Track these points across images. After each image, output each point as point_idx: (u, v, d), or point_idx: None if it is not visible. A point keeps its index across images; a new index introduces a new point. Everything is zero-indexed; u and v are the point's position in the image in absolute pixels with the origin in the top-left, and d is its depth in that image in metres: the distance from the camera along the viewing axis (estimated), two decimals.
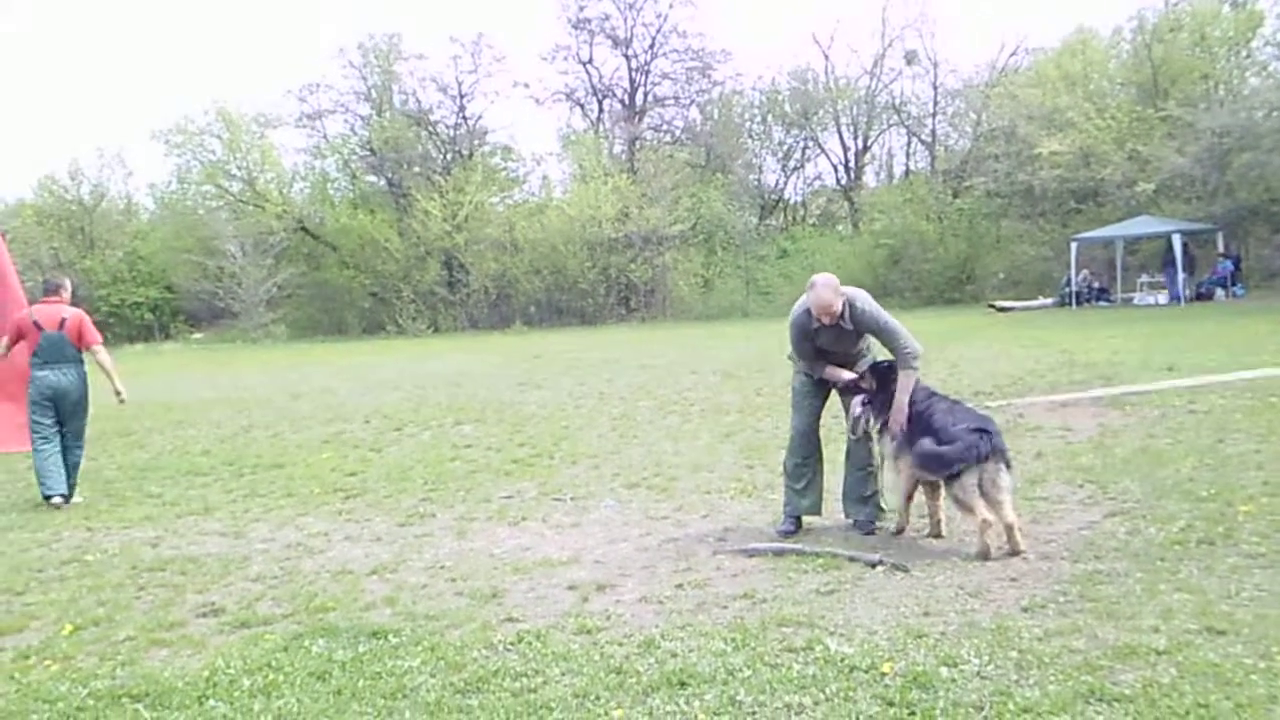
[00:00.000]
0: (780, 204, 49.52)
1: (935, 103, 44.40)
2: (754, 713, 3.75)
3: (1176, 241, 28.18)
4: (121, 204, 48.43)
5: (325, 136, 45.69)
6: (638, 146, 44.88)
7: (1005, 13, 65.30)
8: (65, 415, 8.69)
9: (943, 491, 5.98)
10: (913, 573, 5.30)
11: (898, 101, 45.72)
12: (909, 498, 6.17)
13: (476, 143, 44.89)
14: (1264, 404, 9.65)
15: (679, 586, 5.33)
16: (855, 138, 46.55)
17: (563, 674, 4.19)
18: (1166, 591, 4.74)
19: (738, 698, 3.85)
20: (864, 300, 6.17)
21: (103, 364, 8.86)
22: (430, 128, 45.19)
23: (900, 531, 6.17)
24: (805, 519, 6.49)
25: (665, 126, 48.63)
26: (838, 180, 47.85)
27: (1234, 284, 28.67)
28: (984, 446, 5.59)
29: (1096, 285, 31.12)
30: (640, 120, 46.92)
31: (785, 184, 49.43)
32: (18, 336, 8.85)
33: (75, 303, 9.37)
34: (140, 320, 44.17)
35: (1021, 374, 13.47)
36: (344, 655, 4.52)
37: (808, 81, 46.49)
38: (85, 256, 44.18)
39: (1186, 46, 34.81)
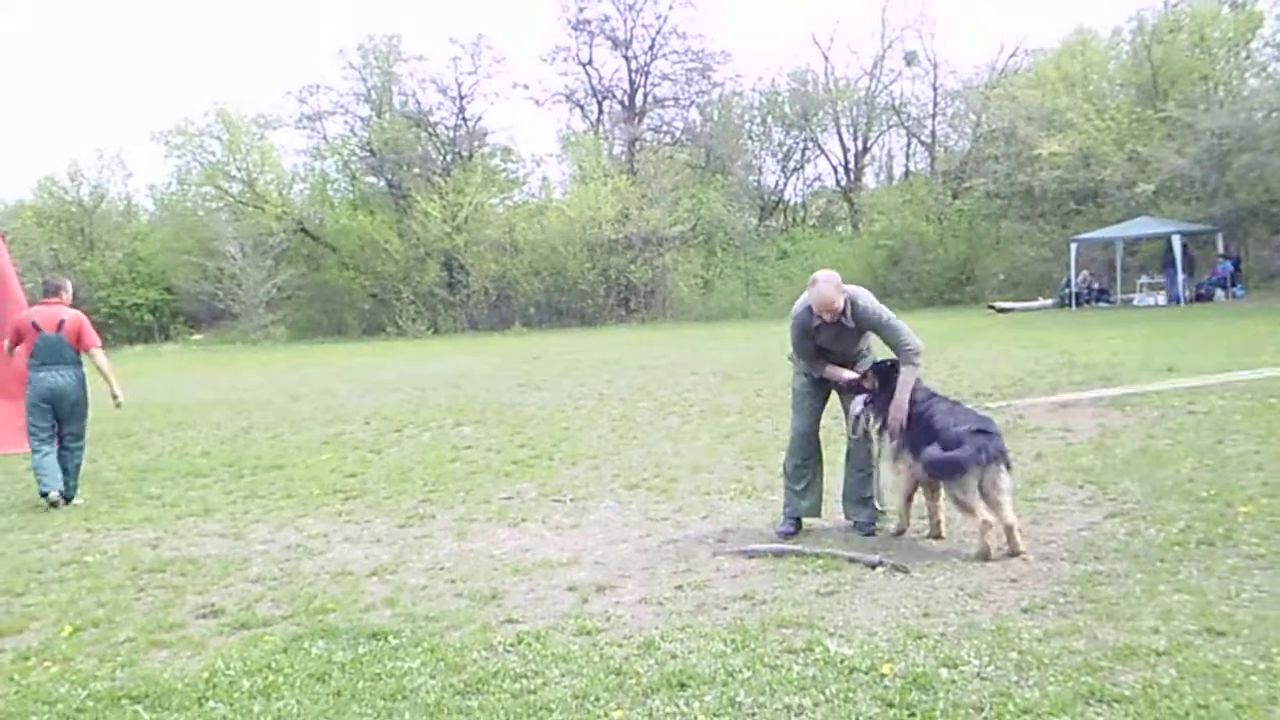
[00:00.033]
0: (780, 205, 49.51)
1: (935, 104, 44.44)
2: (754, 714, 3.75)
3: (1176, 243, 28.18)
4: (121, 205, 48.47)
5: (325, 138, 45.76)
6: (637, 148, 44.87)
7: (1005, 14, 65.46)
8: (64, 417, 8.69)
9: (942, 493, 5.98)
10: (913, 574, 5.30)
11: (897, 102, 45.75)
12: (909, 499, 6.17)
13: (476, 144, 44.90)
14: (1264, 405, 9.65)
15: (679, 588, 5.33)
16: (855, 139, 46.57)
17: (562, 675, 4.19)
18: (1166, 592, 4.74)
19: (737, 699, 3.85)
20: (865, 298, 6.17)
21: (101, 367, 8.86)
22: (430, 129, 45.20)
23: (901, 533, 6.17)
24: (805, 520, 6.48)
25: (665, 128, 48.63)
26: (837, 181, 47.90)
27: (1234, 285, 28.67)
28: (991, 448, 5.60)
29: (1096, 286, 31.13)
30: (640, 121, 46.92)
31: (785, 185, 49.50)
32: (17, 339, 8.85)
33: (76, 304, 9.38)
34: (140, 322, 44.19)
35: (1021, 375, 13.47)
36: (344, 657, 4.52)
37: (807, 83, 46.51)
38: (85, 258, 44.20)
39: (1186, 47, 34.83)
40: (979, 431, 5.67)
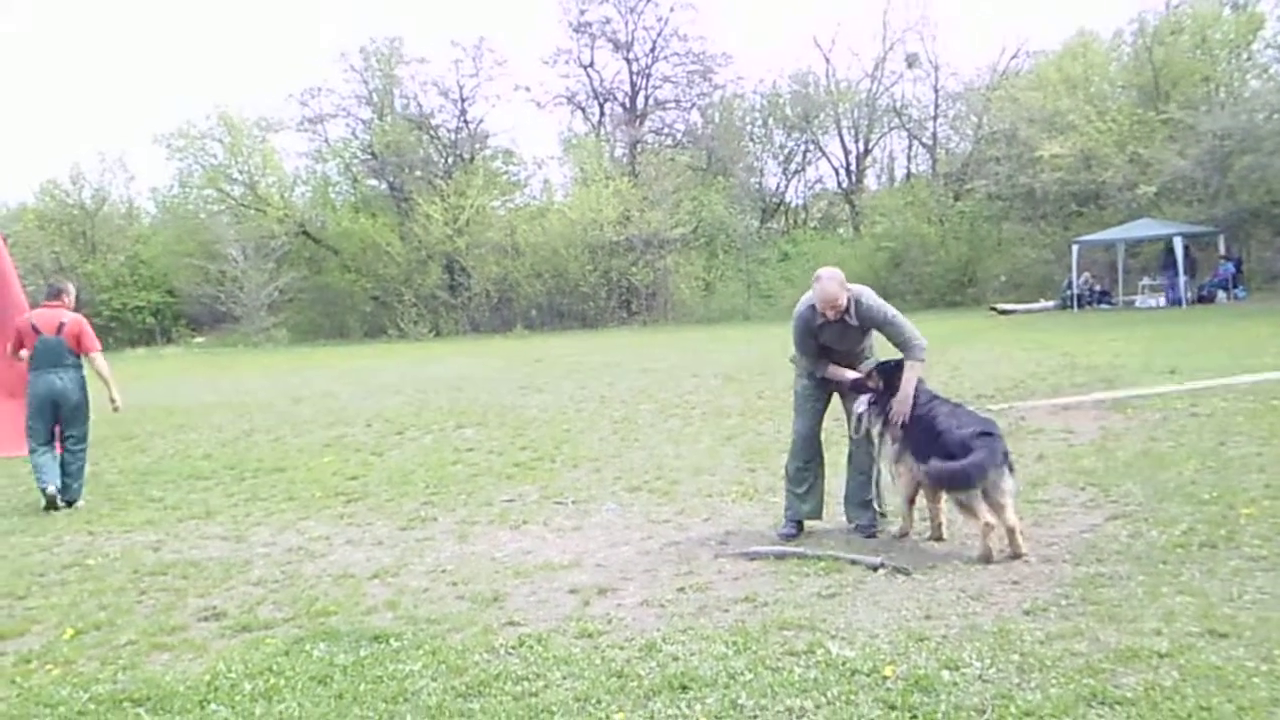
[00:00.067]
0: (781, 207, 49.53)
1: (936, 106, 44.42)
2: (755, 716, 3.75)
3: (1178, 244, 28.16)
4: (123, 208, 48.50)
5: (326, 140, 45.81)
6: (639, 150, 44.88)
7: (1006, 15, 65.48)
8: (64, 420, 8.72)
9: (944, 495, 5.98)
10: (914, 576, 5.29)
11: (899, 104, 45.76)
12: (911, 501, 6.16)
13: (478, 146, 44.93)
14: (1266, 407, 9.64)
15: (680, 590, 5.32)
16: (856, 141, 46.60)
17: (564, 678, 4.19)
18: (1168, 594, 4.74)
19: (739, 701, 3.85)
20: (869, 295, 6.17)
21: (100, 371, 8.89)
22: (431, 131, 45.23)
23: (904, 535, 6.16)
24: (807, 523, 6.47)
25: (666, 130, 48.66)
26: (839, 183, 47.91)
27: (1235, 286, 28.65)
28: (998, 452, 5.59)
29: (1098, 288, 31.12)
30: (641, 123, 46.95)
31: (786, 187, 49.53)
32: (19, 342, 8.88)
33: (78, 307, 9.40)
34: (142, 324, 44.23)
35: (1023, 377, 13.47)
36: (345, 659, 4.52)
37: (809, 85, 46.55)
38: (87, 261, 44.22)
39: (1187, 49, 34.82)
40: (982, 434, 5.66)
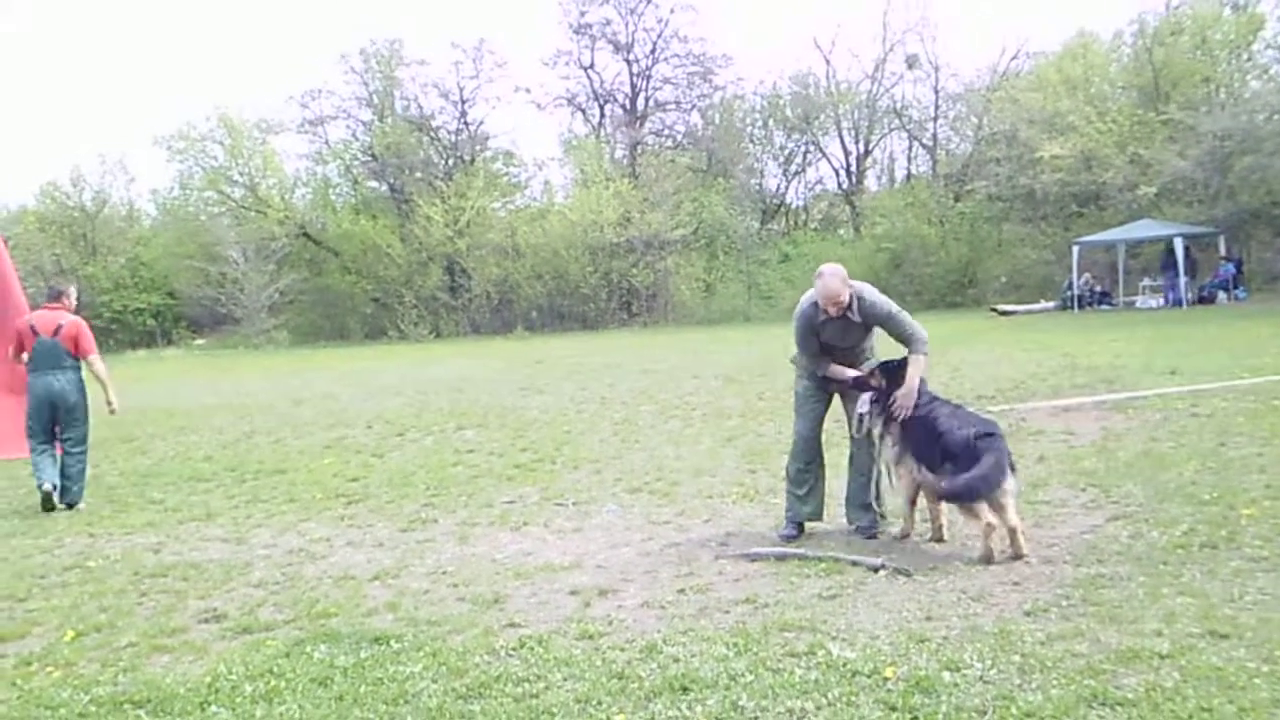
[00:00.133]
0: (782, 208, 49.55)
1: (936, 107, 44.44)
2: (756, 718, 3.74)
3: (1179, 245, 28.16)
4: (124, 210, 48.55)
5: (327, 142, 45.85)
6: (639, 151, 44.89)
7: (1006, 17, 65.51)
8: (62, 422, 8.76)
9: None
10: (915, 577, 5.29)
11: (899, 105, 45.79)
12: (913, 502, 6.15)
13: (478, 148, 44.97)
14: (1266, 407, 9.64)
15: (681, 591, 5.32)
16: (857, 142, 46.63)
17: (565, 679, 4.19)
18: (1169, 595, 4.74)
19: (740, 703, 3.85)
20: (871, 292, 6.18)
21: (98, 374, 8.92)
22: (432, 133, 45.26)
23: (906, 536, 6.16)
24: (807, 524, 6.47)
25: (667, 131, 48.70)
26: (839, 184, 47.93)
27: (1236, 287, 28.66)
28: (1005, 456, 5.59)
29: (1098, 289, 31.14)
30: (641, 125, 46.97)
31: (787, 188, 49.56)
32: (20, 344, 8.93)
33: (79, 309, 9.43)
34: (142, 326, 44.27)
35: (1024, 378, 13.47)
36: (346, 661, 4.52)
37: (809, 86, 46.57)
38: (88, 263, 44.25)
39: (1187, 50, 34.83)
40: (985, 435, 5.65)
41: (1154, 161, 31.63)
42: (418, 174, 43.73)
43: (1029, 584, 5.08)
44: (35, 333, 8.76)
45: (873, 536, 6.23)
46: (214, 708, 4.10)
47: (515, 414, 13.19)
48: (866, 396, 6.23)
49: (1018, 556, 5.48)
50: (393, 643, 4.72)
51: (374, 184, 45.96)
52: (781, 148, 48.77)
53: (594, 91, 47.58)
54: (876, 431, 6.26)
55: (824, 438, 6.55)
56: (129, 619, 5.41)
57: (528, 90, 49.94)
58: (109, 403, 9.04)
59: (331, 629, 5.00)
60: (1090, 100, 34.59)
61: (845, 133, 46.44)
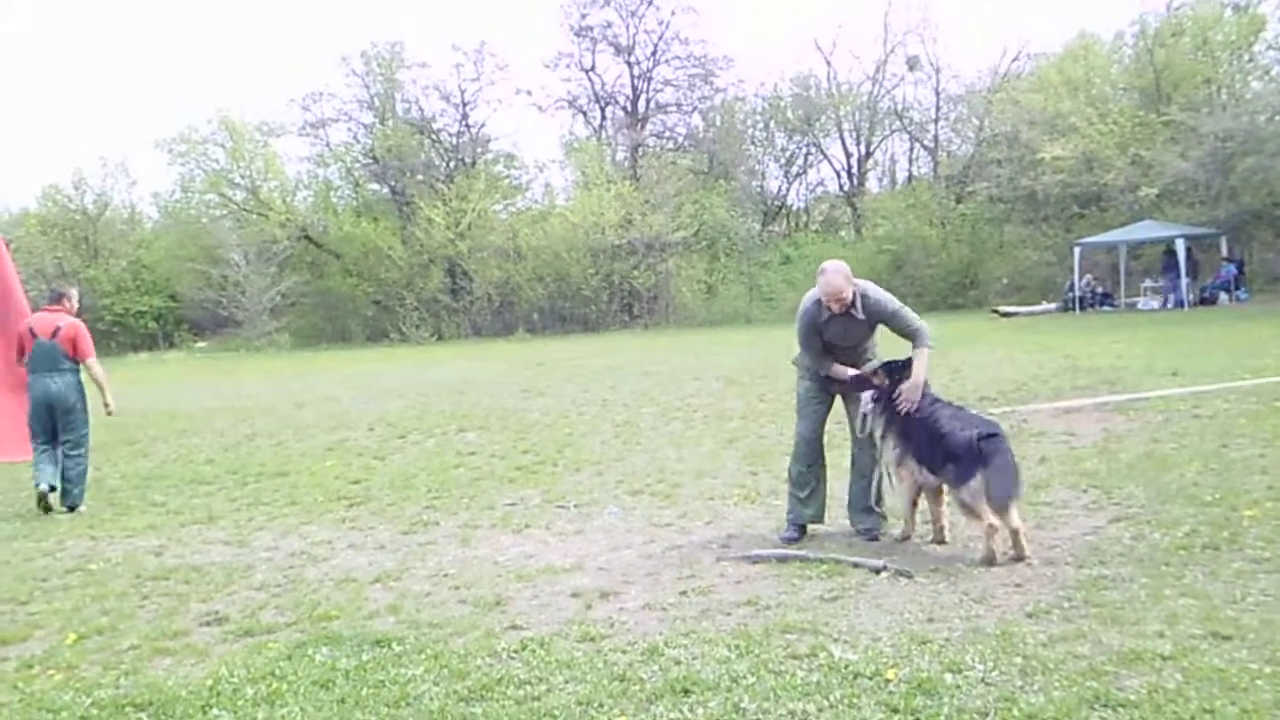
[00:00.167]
0: (783, 210, 49.53)
1: (937, 108, 44.41)
2: None
3: (1180, 246, 28.15)
4: (125, 213, 48.53)
5: (328, 145, 45.85)
6: (640, 153, 44.92)
7: (1007, 18, 65.52)
8: (60, 424, 8.78)
9: (945, 497, 5.98)
10: (917, 579, 5.29)
11: (900, 107, 45.77)
12: (914, 504, 6.15)
13: (479, 150, 44.98)
14: (1268, 408, 9.63)
15: (682, 593, 5.32)
16: (858, 143, 46.60)
17: (566, 682, 4.18)
18: (1171, 597, 4.74)
19: (741, 705, 3.85)
20: (873, 289, 6.19)
21: (95, 377, 8.97)
22: (433, 135, 45.29)
23: (907, 538, 6.15)
24: (809, 526, 6.46)
25: (668, 133, 48.69)
26: (840, 186, 47.93)
27: (1237, 288, 28.65)
28: (1011, 460, 5.61)
29: (1100, 290, 31.12)
30: (643, 127, 46.97)
31: (788, 190, 49.52)
32: (21, 347, 8.97)
33: (81, 312, 9.45)
34: (144, 329, 44.28)
35: (1025, 379, 13.46)
36: (347, 664, 4.52)
37: (810, 87, 46.54)
38: (89, 266, 44.27)
39: (1188, 51, 34.81)
40: (988, 436, 5.63)
41: (1155, 163, 31.61)
42: (419, 176, 43.73)
43: (1031, 585, 5.08)
44: (34, 335, 8.81)
45: (874, 539, 6.23)
46: (215, 711, 4.10)
47: (517, 416, 13.19)
48: (868, 395, 6.21)
49: (1020, 558, 5.47)
50: (394, 645, 4.72)
51: (375, 186, 46.00)
52: (783, 149, 48.81)
53: (595, 94, 47.62)
54: (878, 433, 6.24)
55: (826, 439, 6.55)
56: (130, 622, 5.41)
57: (529, 93, 50.03)
58: (106, 405, 9.07)
59: (333, 632, 5.00)
60: (1091, 101, 34.57)
61: (846, 134, 46.46)
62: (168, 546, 7.19)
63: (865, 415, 6.24)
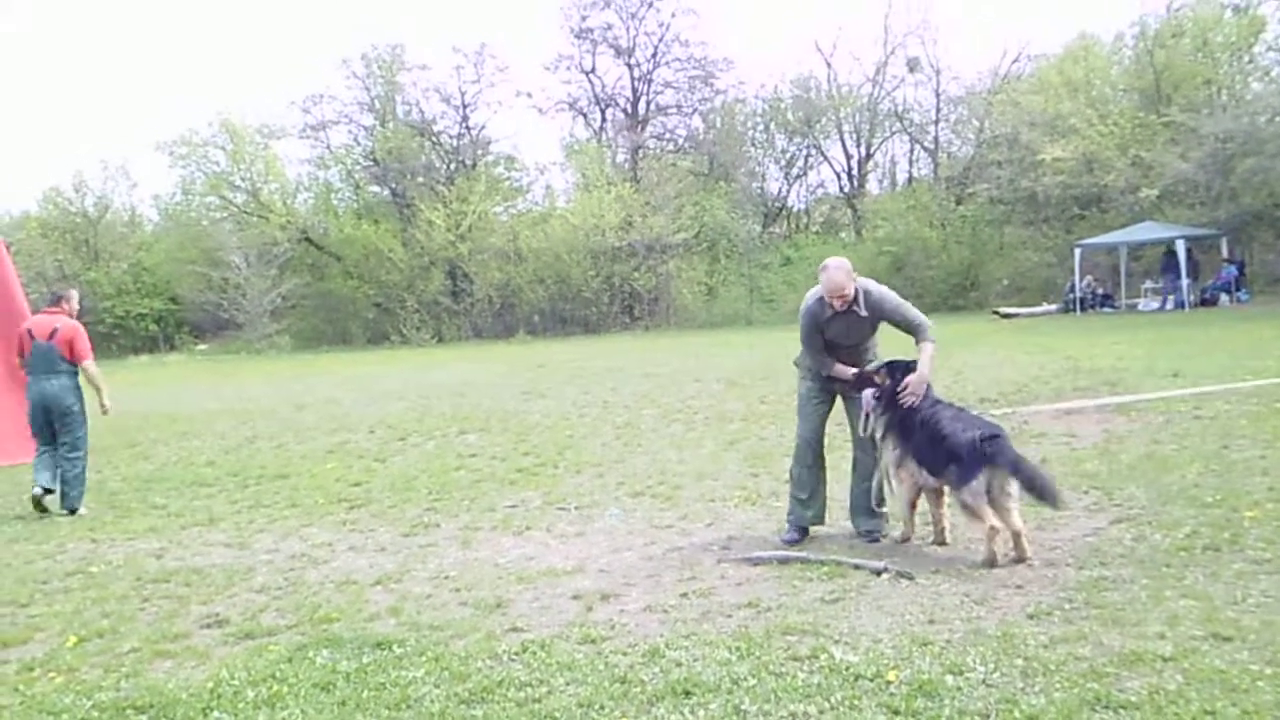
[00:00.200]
0: (783, 211, 49.57)
1: (938, 110, 44.45)
2: None
3: (1180, 247, 28.15)
4: (126, 216, 48.60)
5: (329, 147, 45.89)
6: (641, 155, 44.96)
7: (1007, 19, 65.55)
8: (56, 426, 8.80)
9: (946, 499, 5.97)
10: (918, 580, 5.28)
11: (900, 109, 45.82)
12: (913, 505, 6.14)
13: (480, 152, 44.99)
14: (1269, 409, 9.63)
15: (683, 595, 5.32)
16: (858, 145, 46.65)
17: (567, 684, 4.18)
18: (1172, 598, 4.73)
19: (742, 707, 3.84)
20: (876, 287, 6.20)
21: (92, 379, 8.99)
22: (434, 138, 45.32)
23: (906, 539, 6.15)
24: (810, 527, 6.46)
25: (668, 135, 48.74)
26: (841, 187, 47.98)
27: (1238, 289, 28.65)
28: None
29: (1100, 291, 31.13)
30: (643, 129, 47.01)
31: (788, 191, 49.57)
32: (20, 349, 9.03)
33: (81, 315, 9.47)
34: (145, 332, 44.32)
35: (1026, 380, 13.46)
36: (348, 666, 4.52)
37: (810, 89, 46.56)
38: (90, 268, 44.31)
39: (1189, 52, 34.83)
40: (991, 437, 5.63)
41: (1156, 164, 31.62)
42: (419, 179, 43.77)
43: (1032, 587, 5.08)
44: (32, 337, 8.87)
45: (875, 541, 6.23)
46: (216, 713, 4.10)
47: (517, 418, 13.19)
48: (869, 393, 6.19)
49: (1021, 559, 5.47)
50: (395, 648, 4.72)
51: (376, 189, 46.04)
52: (783, 151, 48.85)
53: (595, 96, 47.66)
54: (879, 434, 6.23)
55: (827, 441, 6.54)
56: (131, 624, 5.41)
57: (529, 95, 49.96)
58: (102, 405, 9.11)
59: (334, 634, 5.00)
60: (1092, 103, 34.59)
61: (847, 136, 46.50)
62: (168, 549, 7.19)
63: (867, 415, 6.22)
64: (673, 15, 45.32)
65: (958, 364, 15.79)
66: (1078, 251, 30.75)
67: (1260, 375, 11.91)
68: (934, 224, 38.74)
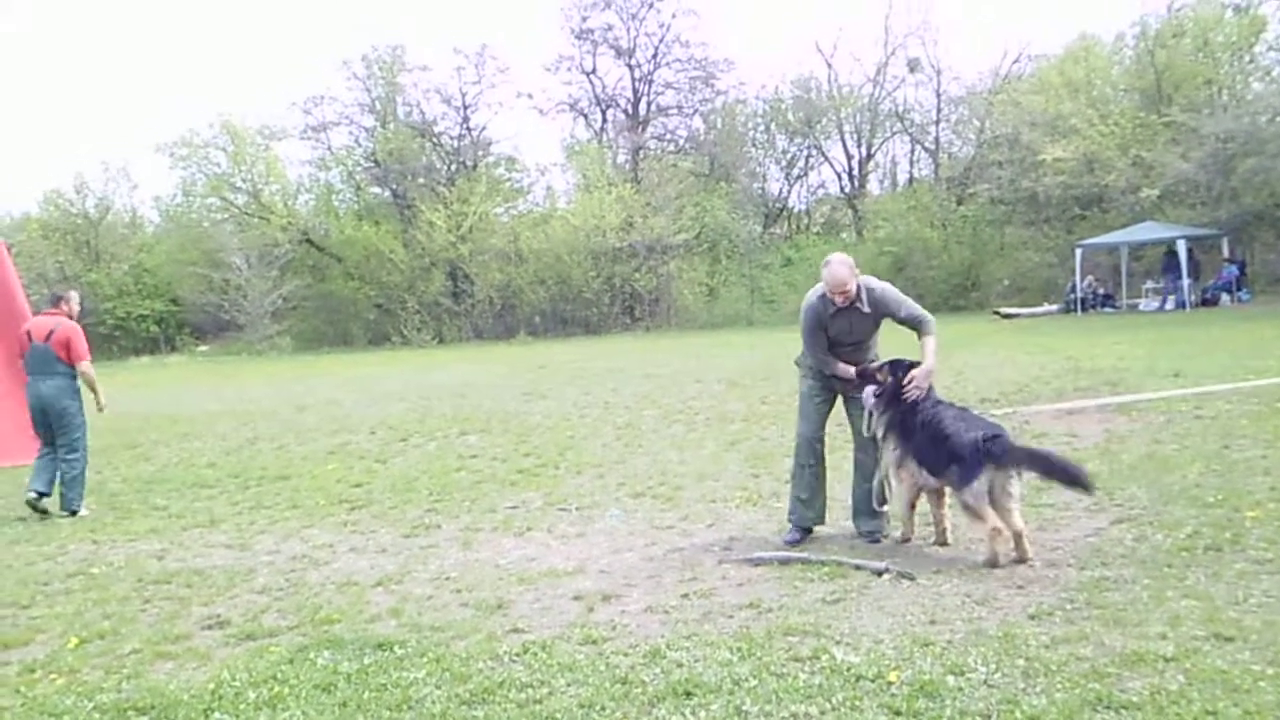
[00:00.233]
0: (784, 212, 49.55)
1: (938, 110, 44.40)
2: None
3: (1181, 247, 28.14)
4: (127, 217, 48.57)
5: (330, 148, 45.87)
6: (641, 156, 44.95)
7: (1007, 20, 65.55)
8: (53, 427, 8.81)
9: (947, 499, 5.97)
10: (919, 581, 5.28)
11: (901, 109, 45.78)
12: (912, 506, 6.14)
13: (480, 153, 44.99)
14: (1270, 409, 9.63)
15: (685, 596, 5.32)
16: (859, 145, 46.61)
17: (568, 685, 4.18)
18: (1174, 598, 4.73)
19: (744, 707, 3.84)
20: (877, 283, 6.22)
21: (88, 380, 9.00)
22: (434, 139, 45.32)
23: (905, 540, 6.15)
24: (811, 528, 6.45)
25: (669, 136, 48.74)
26: (841, 188, 47.94)
27: (1239, 289, 28.64)
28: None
29: (1101, 291, 31.11)
30: (644, 130, 47.00)
31: (789, 192, 49.55)
32: (22, 350, 9.06)
33: (82, 316, 9.49)
34: (146, 333, 44.33)
35: (1027, 381, 13.45)
36: (349, 667, 4.52)
37: (811, 90, 46.53)
38: (91, 270, 44.29)
39: (1189, 52, 34.81)
40: (994, 438, 5.62)
41: (1156, 164, 31.60)
42: (420, 180, 43.77)
43: (1033, 587, 5.08)
44: (30, 338, 8.89)
45: (877, 541, 6.23)
46: (217, 714, 4.10)
47: (518, 419, 13.19)
48: (870, 390, 6.18)
49: (1022, 560, 5.47)
50: (396, 649, 4.72)
51: (377, 190, 46.04)
52: (784, 152, 48.83)
53: (596, 96, 47.66)
54: (879, 434, 6.22)
55: (828, 441, 6.54)
56: (132, 626, 5.41)
57: (530, 96, 49.97)
58: (98, 403, 9.12)
59: (335, 635, 5.00)
60: (1092, 103, 34.57)
61: (847, 136, 46.46)
62: (169, 550, 7.20)
63: (870, 413, 6.21)
64: (673, 16, 45.39)
65: (958, 364, 15.79)
66: (1078, 252, 30.74)
67: (1261, 375, 11.91)
68: (935, 224, 38.73)
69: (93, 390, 9.03)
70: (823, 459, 6.48)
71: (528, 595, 5.54)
